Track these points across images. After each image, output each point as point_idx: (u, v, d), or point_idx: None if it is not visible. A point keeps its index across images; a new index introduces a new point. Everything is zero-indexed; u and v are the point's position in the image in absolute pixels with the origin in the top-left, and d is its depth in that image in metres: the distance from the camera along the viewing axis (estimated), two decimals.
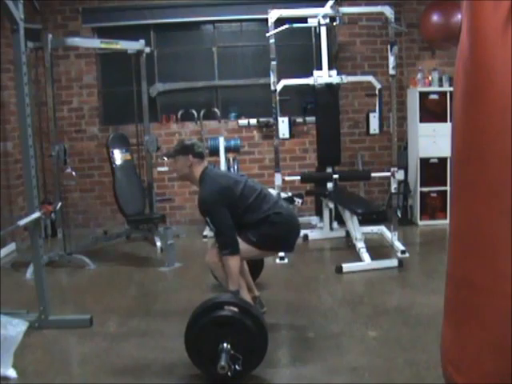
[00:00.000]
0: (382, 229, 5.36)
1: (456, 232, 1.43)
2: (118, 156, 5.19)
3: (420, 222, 5.78)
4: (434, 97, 5.65)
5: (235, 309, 2.59)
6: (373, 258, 4.34)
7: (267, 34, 4.79)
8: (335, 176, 5.06)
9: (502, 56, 1.21)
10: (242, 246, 3.03)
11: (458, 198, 1.40)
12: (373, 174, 5.14)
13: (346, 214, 4.70)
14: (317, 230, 5.47)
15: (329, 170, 5.22)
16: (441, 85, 5.72)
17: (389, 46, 4.73)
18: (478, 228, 1.32)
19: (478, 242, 1.32)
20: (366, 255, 4.36)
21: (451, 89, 5.43)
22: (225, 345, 2.51)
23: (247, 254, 3.10)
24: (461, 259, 1.40)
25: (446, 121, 5.51)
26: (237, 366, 2.51)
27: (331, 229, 5.36)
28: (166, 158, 5.04)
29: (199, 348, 2.58)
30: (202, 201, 3.06)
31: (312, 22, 4.99)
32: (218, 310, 2.60)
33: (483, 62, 1.24)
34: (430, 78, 5.75)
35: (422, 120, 5.64)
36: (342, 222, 5.14)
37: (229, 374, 2.49)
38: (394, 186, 4.92)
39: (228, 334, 2.53)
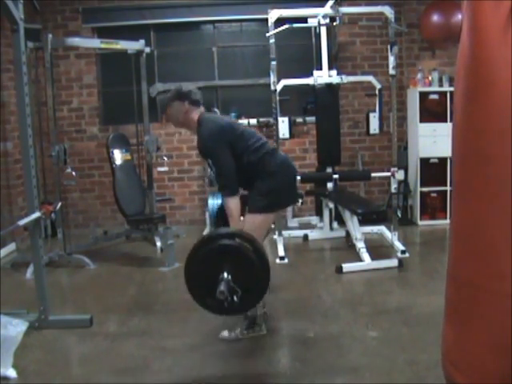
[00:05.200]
0: (382, 229, 5.36)
1: (456, 232, 1.42)
2: (118, 156, 5.18)
3: (420, 222, 5.78)
4: (433, 97, 5.65)
5: (240, 240, 2.51)
6: (373, 258, 4.34)
7: (267, 34, 4.80)
8: (335, 176, 5.06)
9: (503, 56, 1.21)
10: (254, 222, 2.94)
11: (458, 198, 1.40)
12: (373, 174, 5.14)
13: (346, 214, 4.69)
14: (317, 230, 5.48)
15: (329, 170, 5.22)
16: (441, 85, 5.73)
17: (389, 46, 4.73)
18: (479, 228, 1.32)
19: (479, 241, 1.32)
20: (366, 255, 4.36)
21: (451, 89, 5.43)
22: (225, 275, 2.43)
23: (262, 228, 3.01)
24: (461, 259, 1.39)
25: (446, 121, 5.52)
26: (235, 298, 2.42)
27: (331, 229, 5.36)
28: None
29: (199, 275, 2.51)
30: (202, 141, 2.99)
31: (312, 22, 4.99)
32: (223, 239, 2.52)
33: (484, 61, 1.24)
34: (429, 78, 5.76)
35: (422, 120, 5.64)
36: (342, 222, 5.14)
37: (225, 304, 2.41)
38: (394, 186, 4.92)
39: (230, 265, 2.45)
